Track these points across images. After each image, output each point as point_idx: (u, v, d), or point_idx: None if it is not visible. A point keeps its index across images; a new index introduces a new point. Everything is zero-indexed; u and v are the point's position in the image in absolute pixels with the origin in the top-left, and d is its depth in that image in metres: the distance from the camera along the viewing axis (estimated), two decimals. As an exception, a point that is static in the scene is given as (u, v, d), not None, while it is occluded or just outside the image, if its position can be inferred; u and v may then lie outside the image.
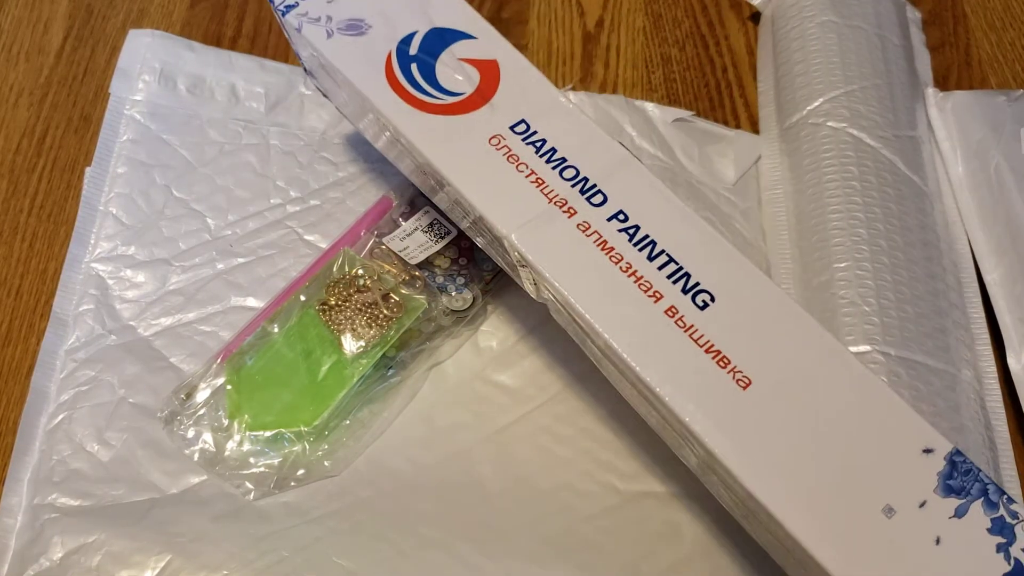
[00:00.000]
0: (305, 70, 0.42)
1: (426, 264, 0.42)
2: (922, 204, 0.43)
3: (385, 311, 0.40)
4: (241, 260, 0.43)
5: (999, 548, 0.28)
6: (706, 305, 0.31)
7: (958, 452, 0.29)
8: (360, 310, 0.40)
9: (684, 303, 0.31)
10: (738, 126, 0.50)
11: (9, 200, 0.46)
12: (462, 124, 0.35)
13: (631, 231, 0.33)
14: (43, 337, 0.40)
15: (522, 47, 0.53)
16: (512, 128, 0.35)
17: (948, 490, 0.29)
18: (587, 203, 0.33)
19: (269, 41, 0.52)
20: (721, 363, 0.30)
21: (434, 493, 0.38)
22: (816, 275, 0.42)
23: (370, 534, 0.37)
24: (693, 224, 0.33)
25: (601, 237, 0.33)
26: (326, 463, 0.38)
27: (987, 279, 0.43)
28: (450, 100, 0.36)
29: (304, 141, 0.47)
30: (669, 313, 0.31)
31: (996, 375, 0.41)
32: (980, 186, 0.45)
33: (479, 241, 0.37)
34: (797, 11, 0.49)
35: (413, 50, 0.37)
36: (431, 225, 0.42)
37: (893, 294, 0.40)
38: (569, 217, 0.33)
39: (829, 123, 0.45)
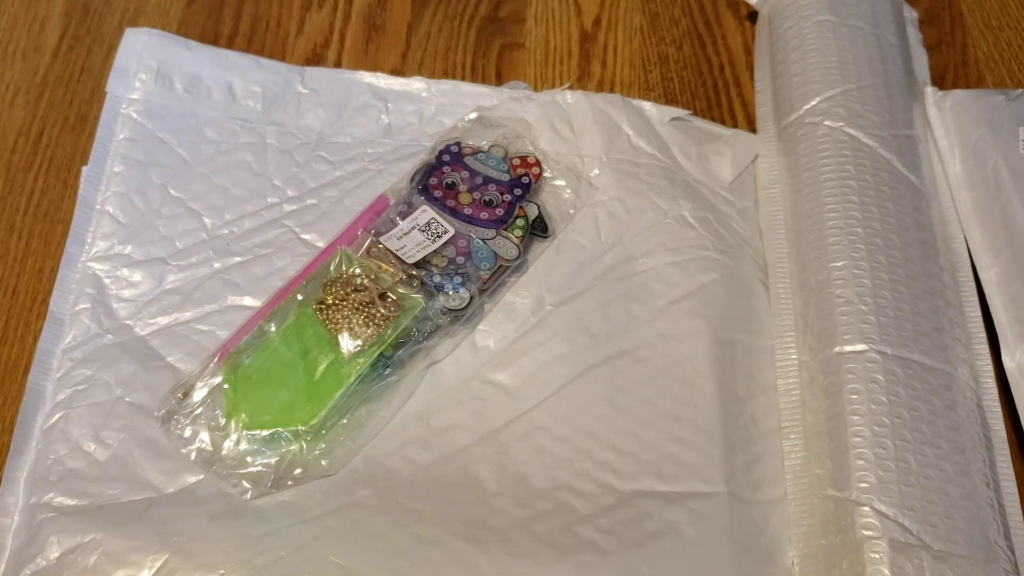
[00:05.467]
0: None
1: (423, 263, 0.42)
2: (919, 203, 0.43)
3: (382, 310, 0.40)
4: (238, 259, 0.43)
5: None
6: None
7: None
8: (357, 309, 0.40)
9: None
10: (735, 125, 0.50)
11: (5, 199, 0.46)
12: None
13: None
14: (39, 336, 0.40)
15: (519, 46, 0.53)
16: None
17: None
18: None
19: (266, 40, 0.52)
20: None
21: (431, 492, 0.38)
22: (813, 274, 0.42)
23: (367, 533, 0.36)
24: None
25: None
26: (323, 462, 0.38)
27: (983, 278, 0.43)
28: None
29: (301, 140, 0.47)
30: None
31: (992, 373, 0.41)
32: (977, 185, 0.45)
33: None
34: (794, 10, 0.49)
35: None
36: (428, 224, 0.42)
37: (890, 293, 0.40)
38: None
39: (826, 122, 0.45)
